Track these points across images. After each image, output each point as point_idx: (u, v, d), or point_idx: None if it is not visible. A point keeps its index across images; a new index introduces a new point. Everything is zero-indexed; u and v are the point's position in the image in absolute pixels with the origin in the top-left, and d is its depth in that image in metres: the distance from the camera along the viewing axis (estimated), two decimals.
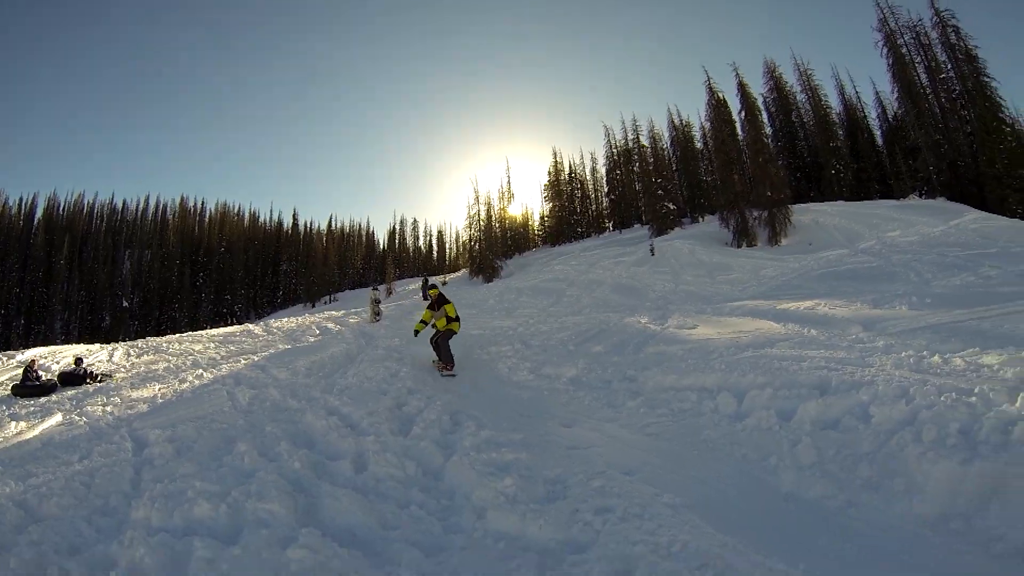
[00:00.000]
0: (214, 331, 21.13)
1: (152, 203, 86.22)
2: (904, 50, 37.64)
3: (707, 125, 42.38)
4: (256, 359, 11.91)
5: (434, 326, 11.49)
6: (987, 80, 33.51)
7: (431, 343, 11.30)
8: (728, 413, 6.41)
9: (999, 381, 5.33)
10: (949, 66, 35.31)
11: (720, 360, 8.04)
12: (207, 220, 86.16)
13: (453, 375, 10.45)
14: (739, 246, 27.88)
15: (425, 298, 33.50)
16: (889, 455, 4.66)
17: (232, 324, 32.87)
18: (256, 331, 18.65)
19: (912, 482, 4.34)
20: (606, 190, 57.57)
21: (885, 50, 38.41)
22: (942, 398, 5.12)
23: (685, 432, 6.33)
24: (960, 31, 34.97)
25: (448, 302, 11.45)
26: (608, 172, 56.78)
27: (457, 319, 11.35)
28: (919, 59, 37.14)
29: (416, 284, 44.81)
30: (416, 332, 11.61)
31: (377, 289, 26.59)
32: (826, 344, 7.78)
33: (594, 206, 59.39)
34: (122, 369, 13.07)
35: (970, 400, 4.99)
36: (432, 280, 44.26)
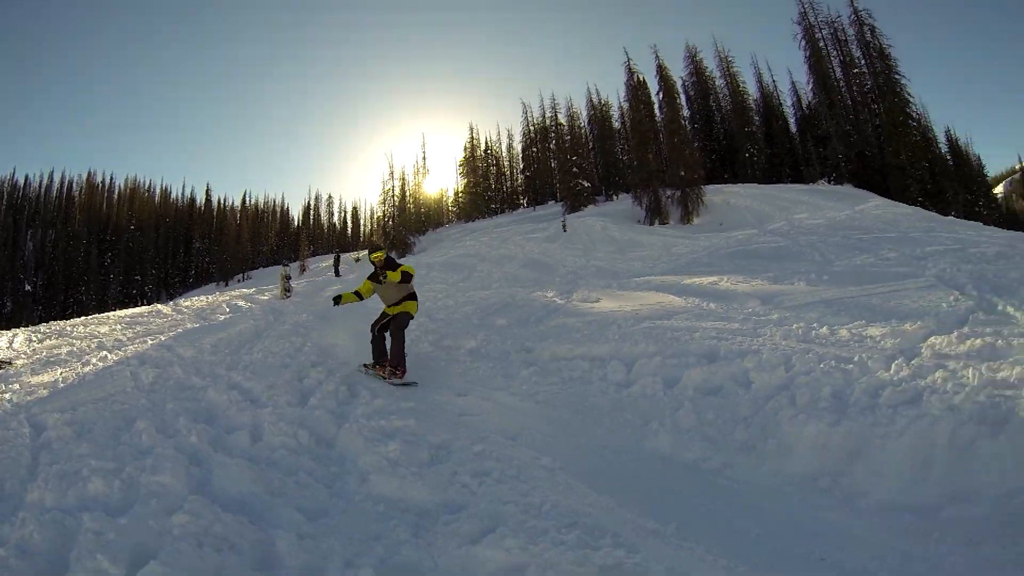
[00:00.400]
0: (121, 312, 20.31)
1: (57, 179, 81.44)
2: (821, 44, 40.02)
3: (625, 105, 43.34)
4: (163, 339, 11.47)
5: (358, 295, 8.40)
6: (897, 77, 36.22)
7: (372, 333, 8.22)
8: (616, 381, 6.58)
9: (878, 351, 5.71)
10: (863, 62, 37.85)
11: (616, 331, 8.24)
12: (116, 197, 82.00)
13: (413, 384, 7.52)
14: (651, 224, 28.67)
15: (337, 274, 33.12)
16: (765, 418, 4.93)
17: (142, 305, 31.54)
18: (165, 311, 18.07)
19: (784, 443, 4.60)
20: (522, 167, 58.45)
21: (803, 43, 40.73)
22: (821, 365, 5.45)
23: (573, 399, 6.47)
24: (876, 30, 37.49)
25: (400, 265, 8.23)
26: (524, 149, 57.70)
27: (414, 296, 8.41)
28: (835, 53, 39.63)
29: (330, 261, 43.98)
30: (337, 300, 8.30)
31: (288, 265, 26.27)
32: (722, 316, 8.09)
33: (509, 183, 60.44)
34: (23, 355, 12.39)
35: (847, 367, 5.33)
36: (345, 254, 43.83)
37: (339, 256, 39.16)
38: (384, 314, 8.27)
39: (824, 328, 6.65)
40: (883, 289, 8.18)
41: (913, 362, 5.19)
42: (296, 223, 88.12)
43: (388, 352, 7.90)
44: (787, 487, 4.26)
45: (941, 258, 10.04)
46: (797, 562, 3.45)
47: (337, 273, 34.26)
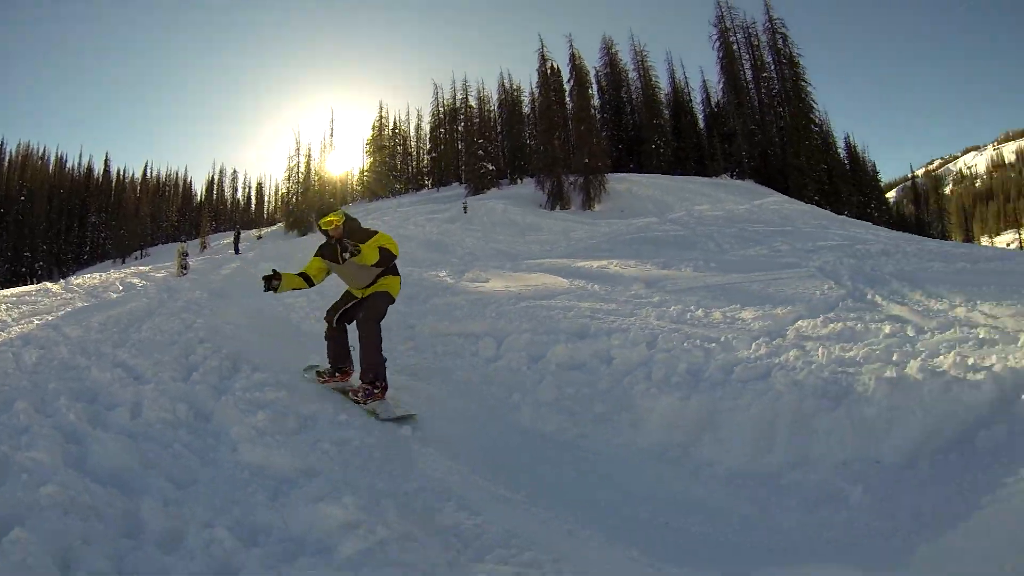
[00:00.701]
0: (6, 291, 19.27)
1: None
2: (735, 47, 42.68)
3: (537, 91, 43.94)
4: (50, 318, 10.94)
5: (305, 278, 5.95)
6: (804, 84, 39.47)
7: (329, 324, 6.19)
8: (486, 356, 6.75)
9: (746, 332, 6.09)
10: (773, 67, 40.83)
11: (495, 309, 8.41)
12: (6, 163, 75.05)
13: (411, 416, 5.17)
14: (553, 208, 29.53)
15: (237, 252, 32.47)
16: (621, 392, 5.18)
17: (31, 284, 30.10)
18: (54, 290, 17.46)
19: (638, 416, 4.84)
20: (428, 147, 58.64)
21: (718, 44, 43.30)
22: (684, 344, 5.77)
23: (442, 373, 6.64)
24: (788, 39, 40.61)
25: (375, 233, 5.74)
26: (432, 130, 58.03)
27: (395, 270, 5.98)
28: (747, 57, 42.44)
29: (231, 239, 42.90)
30: (269, 283, 5.75)
31: (185, 242, 26.12)
32: (603, 297, 8.40)
33: (415, 163, 60.70)
34: None
35: (710, 346, 5.66)
36: (247, 231, 43.07)
37: (239, 233, 38.91)
38: (349, 295, 6.02)
39: (700, 310, 7.04)
40: (766, 277, 8.67)
41: (774, 342, 5.58)
42: (199, 198, 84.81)
43: (349, 354, 6.10)
44: (638, 457, 4.49)
45: (829, 252, 10.71)
46: (641, 526, 3.63)
47: (237, 251, 33.95)
